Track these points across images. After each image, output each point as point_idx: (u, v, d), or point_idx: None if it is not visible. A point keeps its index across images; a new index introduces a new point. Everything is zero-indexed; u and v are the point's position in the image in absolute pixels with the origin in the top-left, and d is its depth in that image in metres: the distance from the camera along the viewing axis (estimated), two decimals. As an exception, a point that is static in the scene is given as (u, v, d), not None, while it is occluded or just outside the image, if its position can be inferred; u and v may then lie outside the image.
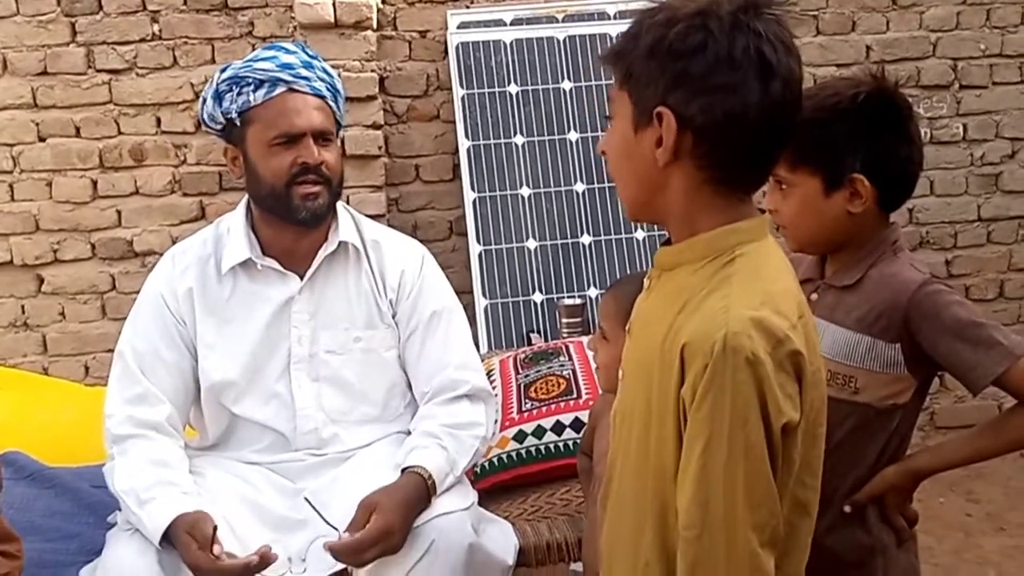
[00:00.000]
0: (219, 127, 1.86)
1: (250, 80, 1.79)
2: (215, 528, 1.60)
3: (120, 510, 1.76)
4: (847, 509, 1.45)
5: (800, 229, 1.48)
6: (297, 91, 1.80)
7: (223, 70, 1.83)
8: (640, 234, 3.39)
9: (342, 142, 3.28)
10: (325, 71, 1.87)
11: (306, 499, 1.68)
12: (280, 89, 1.79)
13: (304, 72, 1.81)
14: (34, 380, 2.83)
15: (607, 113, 1.24)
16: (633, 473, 1.16)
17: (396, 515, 1.61)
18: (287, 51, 1.84)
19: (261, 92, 1.79)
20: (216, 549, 1.57)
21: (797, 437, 1.07)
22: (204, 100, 1.85)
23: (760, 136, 1.09)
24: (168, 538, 1.62)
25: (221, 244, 1.90)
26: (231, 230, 1.90)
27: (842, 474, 1.44)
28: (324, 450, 1.85)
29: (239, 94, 1.80)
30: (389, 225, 3.19)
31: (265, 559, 1.57)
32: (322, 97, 1.84)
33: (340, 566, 1.64)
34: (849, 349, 1.43)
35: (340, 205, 1.94)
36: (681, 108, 1.07)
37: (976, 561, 2.86)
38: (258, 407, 1.85)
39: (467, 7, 3.53)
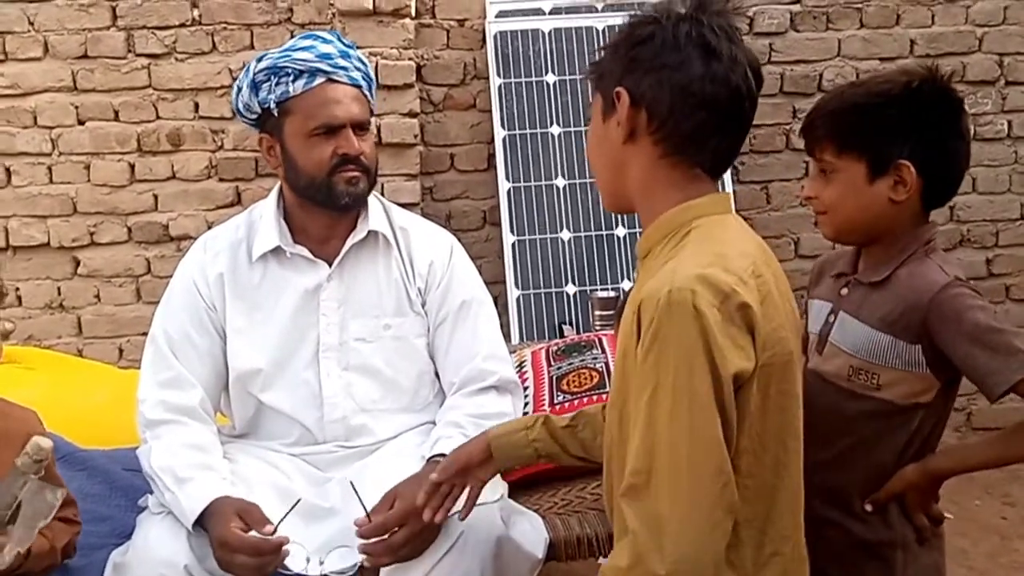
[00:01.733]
0: (254, 117, 1.86)
1: (289, 70, 1.78)
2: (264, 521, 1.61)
3: (151, 494, 1.77)
4: (868, 508, 1.45)
5: (839, 214, 1.47)
6: (336, 81, 1.80)
7: (259, 59, 1.82)
8: (675, 227, 3.36)
9: (378, 130, 3.30)
10: (361, 60, 1.87)
11: (351, 483, 1.66)
12: (319, 80, 1.79)
13: (342, 62, 1.81)
14: (68, 362, 2.85)
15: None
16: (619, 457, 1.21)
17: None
18: (324, 40, 1.83)
19: (300, 83, 1.79)
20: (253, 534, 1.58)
21: (752, 388, 1.13)
22: (239, 89, 1.84)
23: (705, 109, 1.20)
24: (201, 522, 1.62)
25: (253, 230, 1.90)
26: (263, 217, 1.90)
27: (859, 467, 1.44)
28: (353, 441, 1.84)
29: (277, 84, 1.79)
30: (423, 214, 3.19)
31: (272, 545, 1.57)
32: (359, 87, 1.84)
33: (358, 564, 1.62)
34: (871, 346, 1.43)
35: (371, 193, 1.94)
36: (634, 87, 1.22)
37: (1011, 565, 2.81)
38: (285, 395, 1.85)
39: (505, -4, 3.51)
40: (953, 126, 1.45)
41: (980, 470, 1.52)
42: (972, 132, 3.79)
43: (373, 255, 1.90)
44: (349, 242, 1.87)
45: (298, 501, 1.65)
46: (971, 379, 1.40)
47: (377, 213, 1.91)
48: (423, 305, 1.90)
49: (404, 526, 1.58)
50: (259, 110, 1.84)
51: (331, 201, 1.82)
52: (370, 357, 1.86)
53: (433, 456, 1.72)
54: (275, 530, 1.58)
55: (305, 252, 1.87)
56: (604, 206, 1.38)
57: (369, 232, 1.88)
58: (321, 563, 1.63)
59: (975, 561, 2.82)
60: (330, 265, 1.87)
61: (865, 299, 1.45)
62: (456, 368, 1.87)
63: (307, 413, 1.84)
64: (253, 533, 1.59)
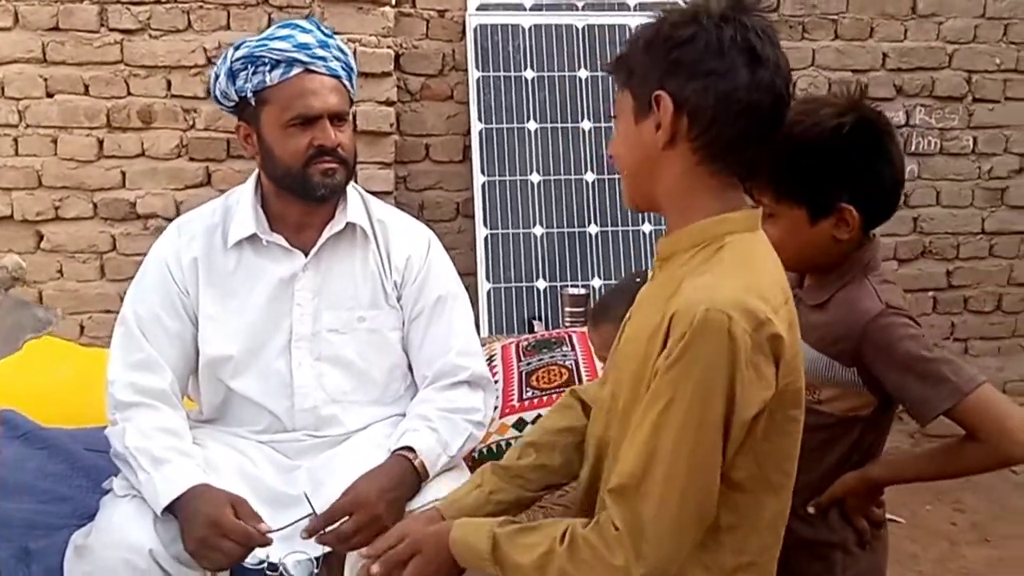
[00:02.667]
0: (232, 104, 1.84)
1: (266, 60, 1.76)
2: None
3: (116, 476, 1.75)
4: (811, 510, 1.49)
5: (784, 252, 1.44)
6: (314, 72, 1.77)
7: (237, 47, 1.80)
8: (647, 227, 3.39)
9: (353, 117, 3.28)
10: (340, 49, 1.84)
11: (305, 495, 1.67)
12: (296, 70, 1.76)
13: (320, 52, 1.78)
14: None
15: (613, 115, 1.31)
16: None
17: (372, 492, 1.62)
18: (303, 30, 1.80)
19: (277, 72, 1.76)
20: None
21: (762, 419, 1.15)
22: (216, 77, 1.82)
23: (748, 118, 1.18)
24: (171, 508, 1.61)
25: (229, 216, 1.88)
26: (240, 203, 1.88)
27: (804, 473, 1.47)
28: (322, 431, 1.84)
29: (254, 73, 1.77)
30: (396, 203, 3.18)
31: (263, 541, 1.58)
32: (338, 77, 1.81)
33: (326, 549, 1.63)
34: (811, 364, 1.44)
35: (350, 184, 1.93)
36: (677, 92, 1.18)
37: (959, 571, 2.88)
38: (256, 383, 1.84)
39: (487, -12, 3.51)
40: (886, 156, 1.46)
41: (915, 482, 1.57)
42: (938, 147, 3.91)
43: (350, 247, 1.89)
44: (326, 233, 1.85)
45: (309, 515, 1.63)
46: (903, 405, 1.44)
47: (356, 205, 1.90)
48: (399, 299, 1.89)
49: (353, 515, 1.59)
50: (236, 98, 1.81)
51: (307, 192, 1.80)
52: (342, 348, 1.85)
53: (399, 449, 1.72)
54: (269, 531, 1.60)
55: (281, 241, 1.85)
56: (626, 203, 1.33)
57: (347, 224, 1.87)
58: (281, 561, 1.63)
59: (924, 566, 2.88)
60: (306, 255, 1.85)
61: (806, 319, 1.45)
62: (429, 363, 1.86)
63: (277, 402, 1.83)
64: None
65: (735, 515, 1.18)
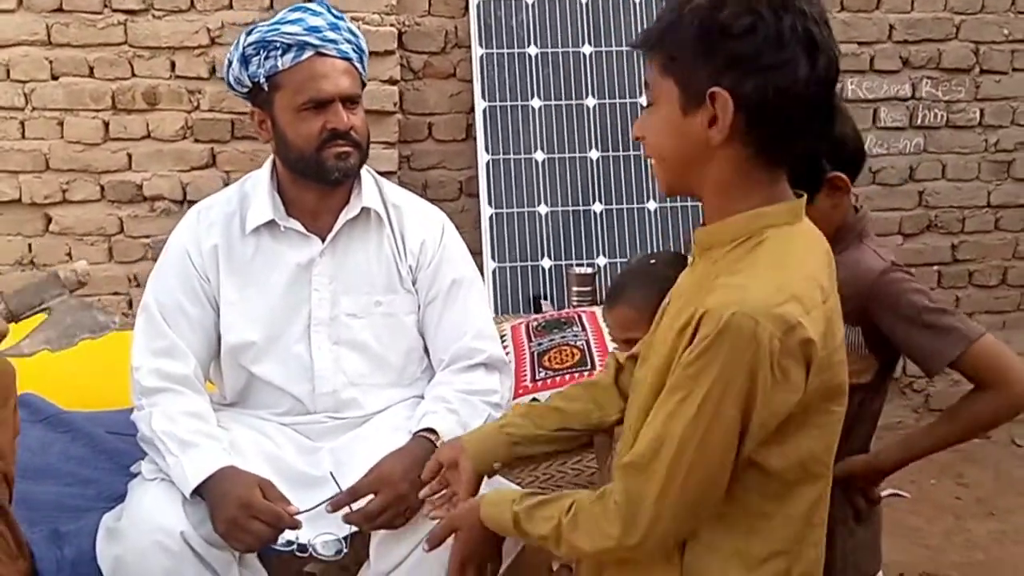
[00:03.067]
0: (245, 90, 1.85)
1: (277, 44, 1.76)
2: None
3: (143, 459, 1.77)
4: None
5: None
6: (325, 55, 1.78)
7: (248, 32, 1.80)
8: (652, 204, 3.39)
9: (361, 98, 3.27)
10: (351, 32, 1.84)
11: (331, 474, 1.70)
12: (308, 53, 1.77)
13: (331, 35, 1.79)
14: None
15: (647, 100, 1.26)
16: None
17: (396, 472, 1.65)
18: (313, 13, 1.80)
19: (289, 56, 1.77)
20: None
21: (795, 417, 1.16)
22: (230, 63, 1.83)
23: (806, 110, 1.15)
24: (199, 490, 1.64)
25: (246, 203, 1.89)
26: (256, 189, 1.89)
27: None
28: (343, 413, 1.86)
29: (266, 58, 1.78)
30: (400, 182, 3.18)
31: (292, 522, 1.62)
32: (349, 60, 1.82)
33: (353, 529, 1.66)
34: None
35: (365, 168, 1.94)
36: (735, 88, 1.12)
37: (965, 545, 2.92)
38: (276, 368, 1.86)
39: (490, -36, 3.48)
40: (840, 114, 1.50)
41: (923, 457, 1.62)
42: (944, 119, 3.89)
43: (365, 232, 1.90)
44: (342, 218, 1.87)
45: (335, 495, 1.67)
46: (911, 358, 1.51)
47: (370, 189, 1.91)
48: (414, 283, 1.91)
49: (379, 494, 1.63)
50: (249, 84, 1.82)
51: (321, 176, 1.81)
52: (360, 332, 1.87)
53: (420, 431, 1.74)
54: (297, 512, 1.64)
55: (298, 226, 1.87)
56: (661, 189, 1.31)
57: (362, 208, 1.88)
58: (310, 543, 1.66)
59: (930, 539, 2.92)
60: (323, 240, 1.87)
61: None
62: (445, 346, 1.88)
63: (298, 386, 1.86)
64: None
65: (771, 503, 1.20)
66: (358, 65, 1.85)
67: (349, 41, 1.82)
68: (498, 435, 1.52)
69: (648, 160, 1.39)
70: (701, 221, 1.29)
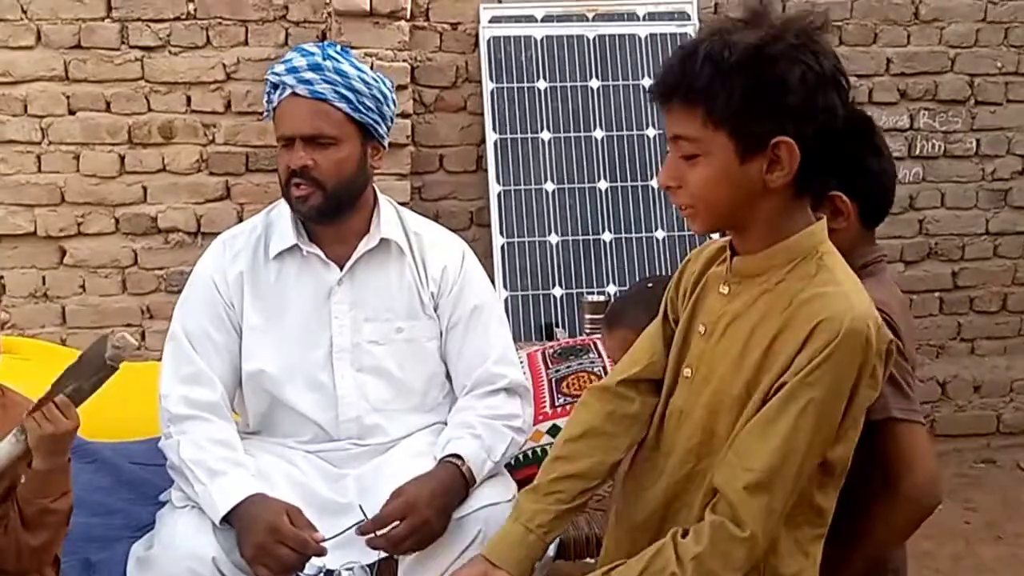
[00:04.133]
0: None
1: (271, 83, 1.88)
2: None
3: (171, 488, 1.80)
4: None
5: None
6: (297, 95, 1.82)
7: (273, 66, 1.91)
8: (660, 233, 3.45)
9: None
10: (339, 71, 1.82)
11: (360, 507, 1.72)
12: (286, 92, 1.84)
13: (308, 75, 1.80)
14: (62, 353, 2.85)
15: (684, 152, 1.27)
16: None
17: (422, 497, 1.67)
18: (304, 53, 1.85)
19: (276, 94, 1.86)
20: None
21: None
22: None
23: (839, 143, 1.24)
24: (227, 518, 1.66)
25: (271, 229, 1.94)
26: (280, 216, 1.94)
27: None
28: (367, 440, 1.89)
29: (269, 93, 1.89)
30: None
31: (318, 549, 1.64)
32: (324, 99, 1.81)
33: (379, 555, 1.68)
34: None
35: (384, 198, 1.98)
36: (799, 134, 1.20)
37: (974, 568, 2.94)
38: (300, 395, 1.88)
39: (499, 2, 3.56)
40: (871, 145, 1.55)
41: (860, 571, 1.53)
42: (942, 149, 3.97)
43: (385, 260, 1.93)
44: (361, 248, 1.91)
45: (360, 522, 1.69)
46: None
47: (390, 219, 1.95)
48: (435, 309, 1.95)
49: (405, 520, 1.65)
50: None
51: (293, 210, 1.89)
52: (383, 359, 1.90)
53: (445, 457, 1.77)
54: (323, 540, 1.66)
55: (319, 252, 1.91)
56: (698, 231, 1.36)
57: (381, 239, 1.92)
58: (337, 571, 1.69)
59: (940, 563, 2.95)
60: (341, 268, 1.91)
61: None
62: (468, 372, 1.92)
63: (322, 413, 1.88)
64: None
65: (828, 500, 1.31)
66: (340, 104, 1.81)
67: (330, 81, 1.81)
68: (528, 536, 1.41)
69: (662, 193, 1.42)
70: (728, 251, 1.35)
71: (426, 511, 1.66)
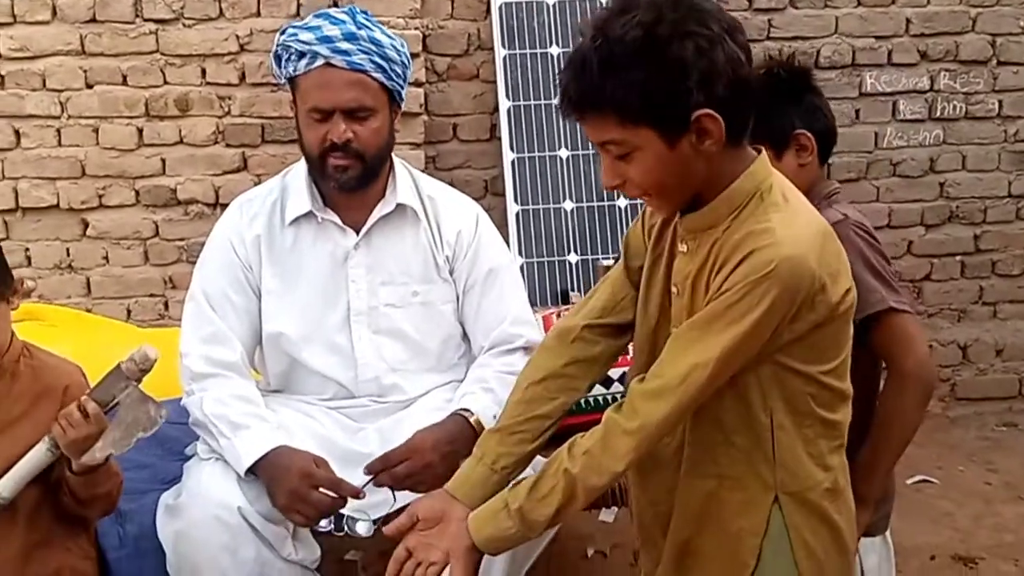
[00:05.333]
0: (284, 83, 1.92)
1: (294, 50, 1.80)
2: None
3: (197, 442, 1.83)
4: None
5: None
6: (333, 66, 1.79)
7: (282, 31, 1.85)
8: (675, 199, 3.44)
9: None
10: (373, 41, 1.81)
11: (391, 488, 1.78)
12: (318, 63, 1.79)
13: (344, 45, 1.78)
14: (87, 319, 2.92)
15: (616, 153, 1.27)
16: None
17: (428, 441, 1.72)
18: (333, 21, 1.81)
19: (302, 63, 1.81)
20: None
21: (842, 323, 1.32)
22: (271, 57, 1.90)
23: (751, 87, 1.26)
24: (252, 470, 1.70)
25: (287, 194, 1.95)
26: (295, 181, 1.95)
27: None
28: (386, 397, 1.92)
29: (287, 60, 1.83)
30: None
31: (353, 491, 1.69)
32: (362, 71, 1.80)
33: (387, 511, 1.73)
34: None
35: (399, 162, 1.99)
36: (713, 101, 1.20)
37: (994, 527, 2.93)
38: (319, 356, 1.92)
39: (511, -33, 3.54)
40: (815, 89, 1.75)
41: (889, 466, 1.68)
42: (963, 111, 3.91)
43: (400, 224, 1.95)
44: (376, 213, 1.92)
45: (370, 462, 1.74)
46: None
47: (405, 184, 1.96)
48: (451, 272, 1.96)
49: (407, 460, 1.70)
50: (284, 79, 1.89)
51: (324, 180, 1.87)
52: (400, 322, 1.93)
53: (458, 410, 1.81)
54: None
55: (335, 218, 1.92)
56: (665, 215, 1.37)
57: (396, 204, 1.93)
58: (346, 520, 1.72)
59: (960, 523, 2.94)
60: (357, 232, 1.92)
61: None
62: (485, 333, 1.94)
63: (342, 373, 1.92)
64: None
65: (837, 413, 1.36)
66: (377, 75, 1.81)
67: (366, 51, 1.80)
68: (492, 476, 1.43)
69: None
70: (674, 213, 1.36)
71: (430, 455, 1.71)
